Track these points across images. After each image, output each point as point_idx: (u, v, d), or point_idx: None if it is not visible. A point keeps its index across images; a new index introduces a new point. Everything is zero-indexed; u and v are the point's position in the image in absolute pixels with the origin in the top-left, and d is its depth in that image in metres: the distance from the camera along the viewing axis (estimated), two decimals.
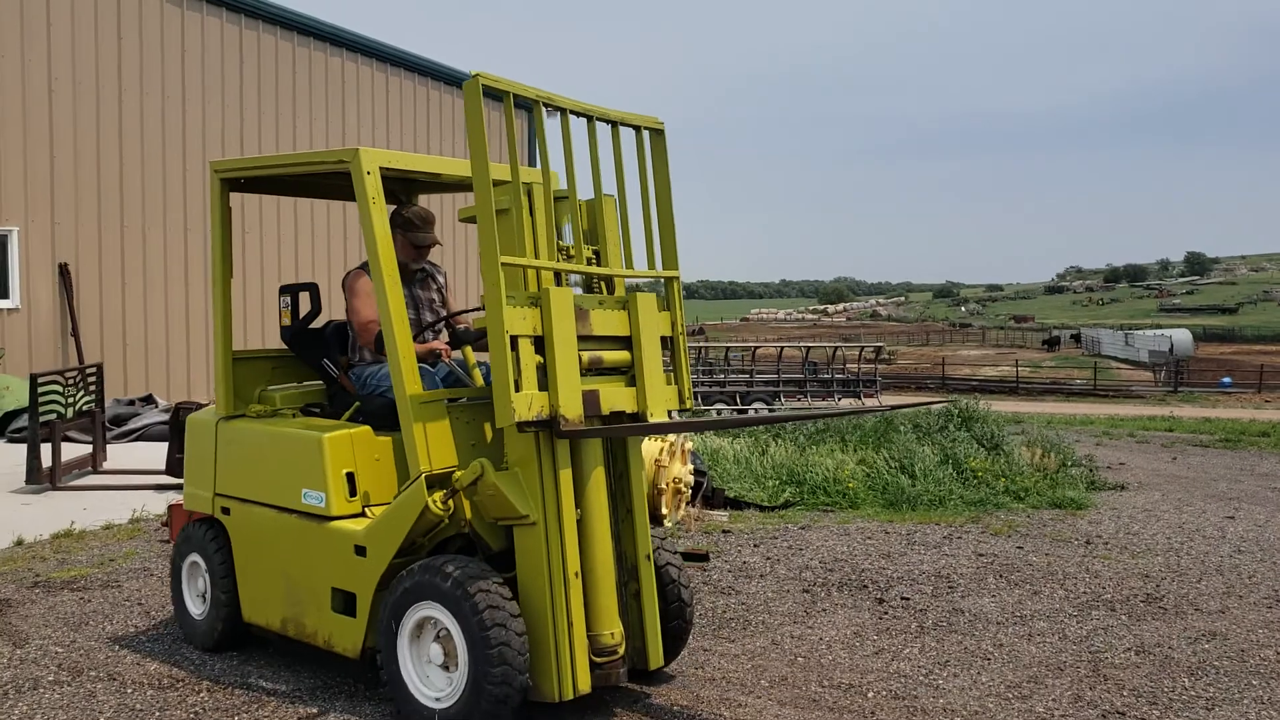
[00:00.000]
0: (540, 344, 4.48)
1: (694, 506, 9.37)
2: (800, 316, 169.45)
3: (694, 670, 5.30)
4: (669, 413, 5.00)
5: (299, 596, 5.09)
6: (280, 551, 5.17)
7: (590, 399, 4.60)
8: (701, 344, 31.00)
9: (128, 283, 16.31)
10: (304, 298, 5.68)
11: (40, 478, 9.68)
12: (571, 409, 4.48)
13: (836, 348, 27.17)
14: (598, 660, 4.60)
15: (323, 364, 5.53)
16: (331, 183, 5.33)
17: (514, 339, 4.36)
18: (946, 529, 8.87)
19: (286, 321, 5.63)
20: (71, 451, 10.72)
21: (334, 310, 5.77)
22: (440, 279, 5.70)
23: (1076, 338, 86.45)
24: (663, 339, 5.04)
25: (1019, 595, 6.80)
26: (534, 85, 4.64)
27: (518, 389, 4.35)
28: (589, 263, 5.00)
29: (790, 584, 6.97)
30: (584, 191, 5.07)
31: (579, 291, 4.95)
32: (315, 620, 5.02)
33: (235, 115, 17.82)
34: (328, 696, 4.90)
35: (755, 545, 8.07)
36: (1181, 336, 67.97)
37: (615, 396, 4.75)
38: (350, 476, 4.89)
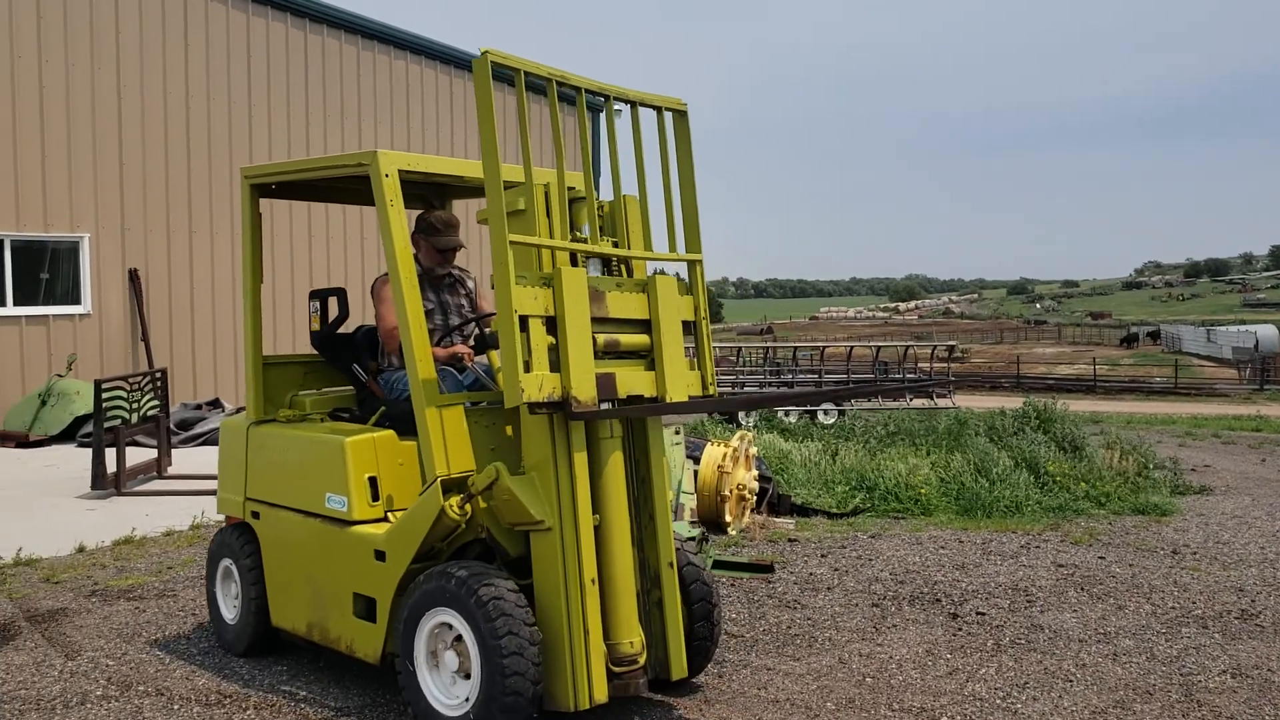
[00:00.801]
0: (553, 325, 4.34)
1: (759, 514, 9.11)
2: (871, 315, 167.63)
3: (756, 691, 5.05)
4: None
5: (323, 601, 5.04)
6: (306, 556, 5.12)
7: (605, 381, 4.46)
8: (769, 344, 30.64)
9: (196, 288, 16.45)
10: (333, 303, 5.58)
11: (105, 483, 9.73)
12: (584, 391, 4.33)
13: (908, 347, 26.62)
14: (616, 669, 4.46)
15: (352, 369, 5.43)
16: (358, 187, 5.24)
17: (524, 319, 4.23)
18: (1024, 537, 8.50)
19: (316, 326, 5.55)
20: (138, 456, 10.78)
21: (362, 315, 5.66)
22: (469, 284, 5.61)
23: (1155, 334, 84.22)
24: (686, 324, 4.86)
25: (1102, 610, 6.43)
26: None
27: (528, 369, 4.21)
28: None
29: (859, 597, 6.68)
30: (602, 178, 4.87)
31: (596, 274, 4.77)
32: (338, 625, 4.96)
33: (301, 121, 17.91)
34: (375, 714, 4.75)
35: (823, 555, 7.78)
36: (1267, 332, 65.68)
37: (633, 380, 4.59)
38: (373, 481, 4.84)
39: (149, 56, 15.75)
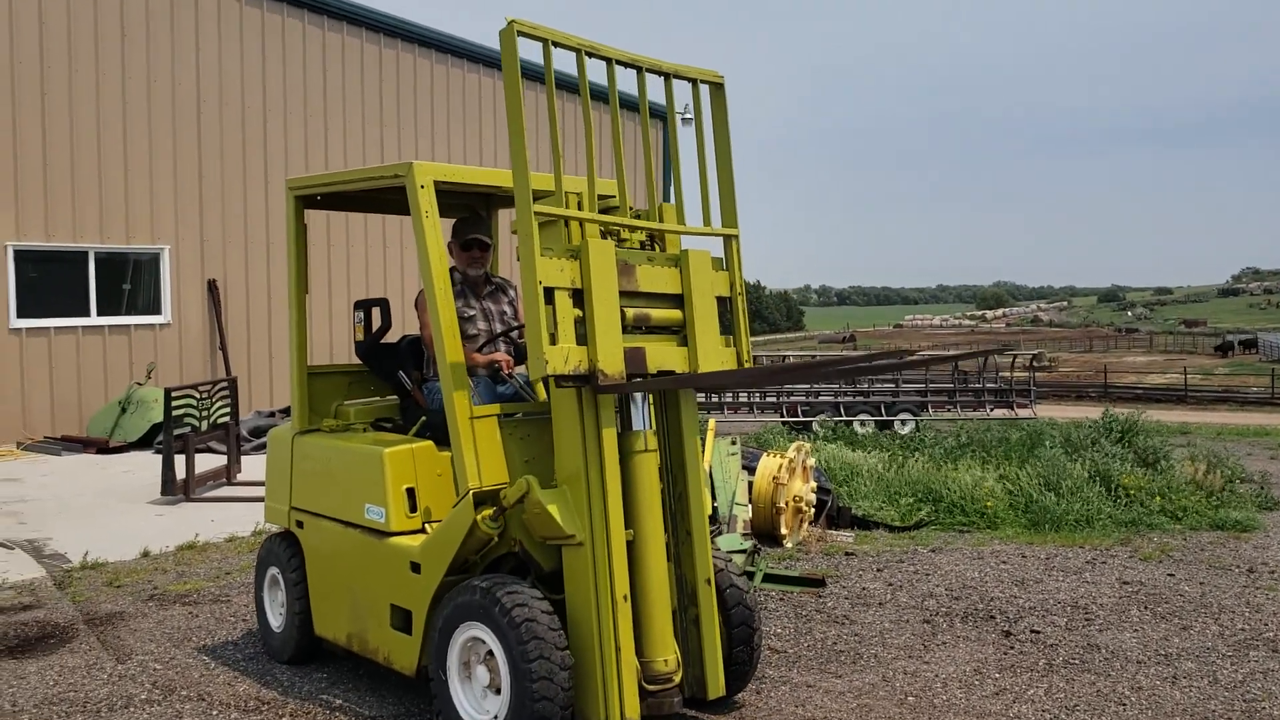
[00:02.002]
0: (580, 298, 4.28)
1: (817, 526, 8.96)
2: (957, 323, 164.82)
3: (794, 709, 4.95)
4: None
5: (362, 612, 5.07)
6: (346, 566, 5.15)
7: (635, 356, 4.40)
8: (846, 352, 30.26)
9: (272, 298, 16.79)
10: (376, 313, 5.61)
11: (175, 489, 9.95)
12: (611, 365, 4.28)
13: (987, 354, 26.05)
14: (650, 687, 4.38)
15: (396, 378, 5.45)
16: (400, 198, 5.28)
17: (550, 291, 4.19)
18: (1091, 552, 8.24)
19: (360, 336, 5.58)
20: (209, 463, 11.02)
21: (403, 325, 5.69)
22: (511, 293, 5.57)
23: (1252, 343, 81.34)
24: (721, 300, 4.78)
25: (1165, 630, 6.19)
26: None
27: (553, 342, 4.16)
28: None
29: (910, 613, 6.52)
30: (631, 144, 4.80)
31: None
32: (377, 637, 4.98)
33: (375, 132, 18.19)
34: None
35: (879, 570, 7.62)
36: None
37: (665, 355, 4.53)
38: (410, 492, 4.83)
39: (227, 74, 16.14)
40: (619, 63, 4.57)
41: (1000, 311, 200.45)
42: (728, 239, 4.90)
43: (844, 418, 21.77)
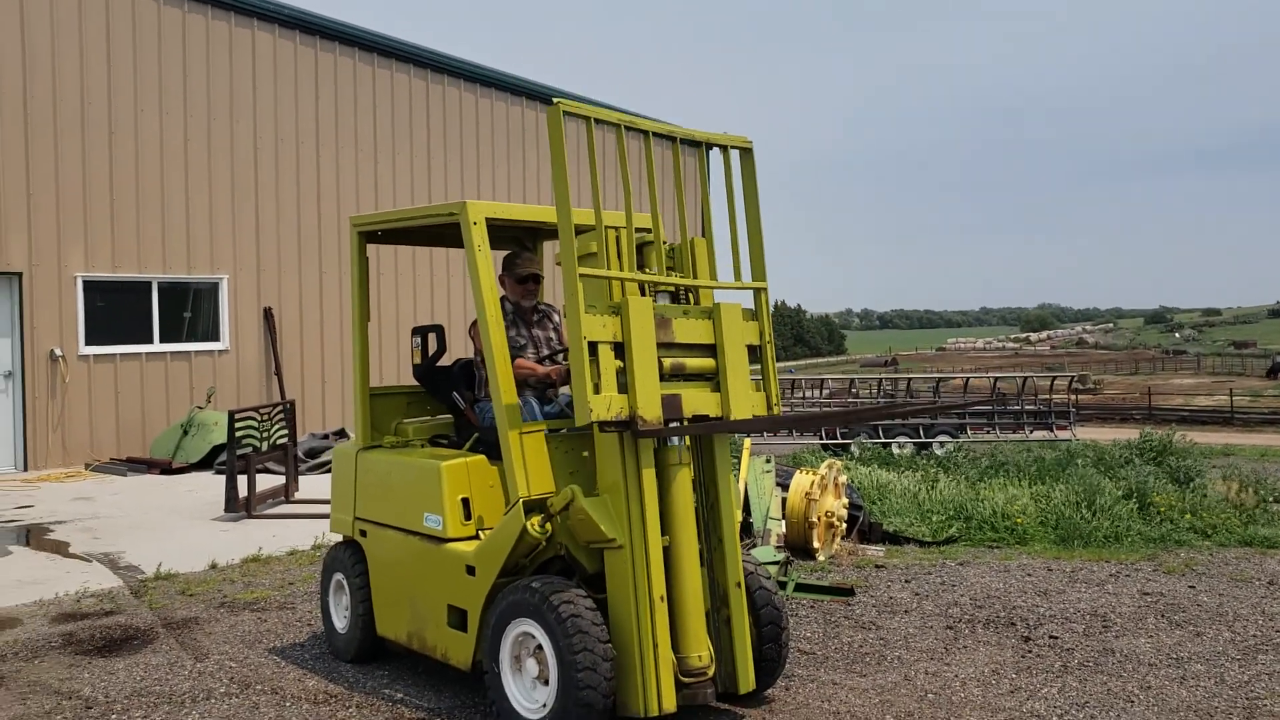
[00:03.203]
0: (621, 350, 4.72)
1: (848, 541, 9.31)
2: (1000, 345, 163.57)
3: (820, 703, 5.32)
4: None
5: (421, 612, 5.50)
6: (406, 571, 5.59)
7: (671, 402, 4.82)
8: (882, 375, 30.42)
9: (325, 325, 17.41)
10: (432, 338, 6.09)
11: (237, 506, 10.49)
12: (650, 410, 4.70)
13: (1026, 377, 26.20)
14: (686, 680, 4.79)
15: (451, 398, 5.91)
16: (453, 233, 5.76)
17: (594, 345, 4.62)
18: (1116, 566, 8.52)
19: (418, 360, 6.05)
20: (268, 482, 11.56)
21: (455, 350, 6.18)
22: (556, 318, 6.02)
23: None
24: (752, 348, 5.20)
25: (1179, 637, 6.49)
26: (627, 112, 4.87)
27: (597, 391, 4.60)
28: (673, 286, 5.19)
29: (934, 620, 6.87)
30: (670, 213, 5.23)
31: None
32: (435, 635, 5.41)
33: (423, 163, 18.83)
34: (462, 714, 5.19)
35: (906, 581, 7.97)
36: None
37: (699, 401, 4.95)
38: (465, 502, 5.28)
39: (282, 112, 16.84)
40: (656, 135, 5.05)
41: (1045, 334, 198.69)
42: (757, 292, 5.33)
43: (882, 440, 22.01)
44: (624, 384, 4.73)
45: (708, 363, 5.06)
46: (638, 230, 5.17)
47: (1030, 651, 6.20)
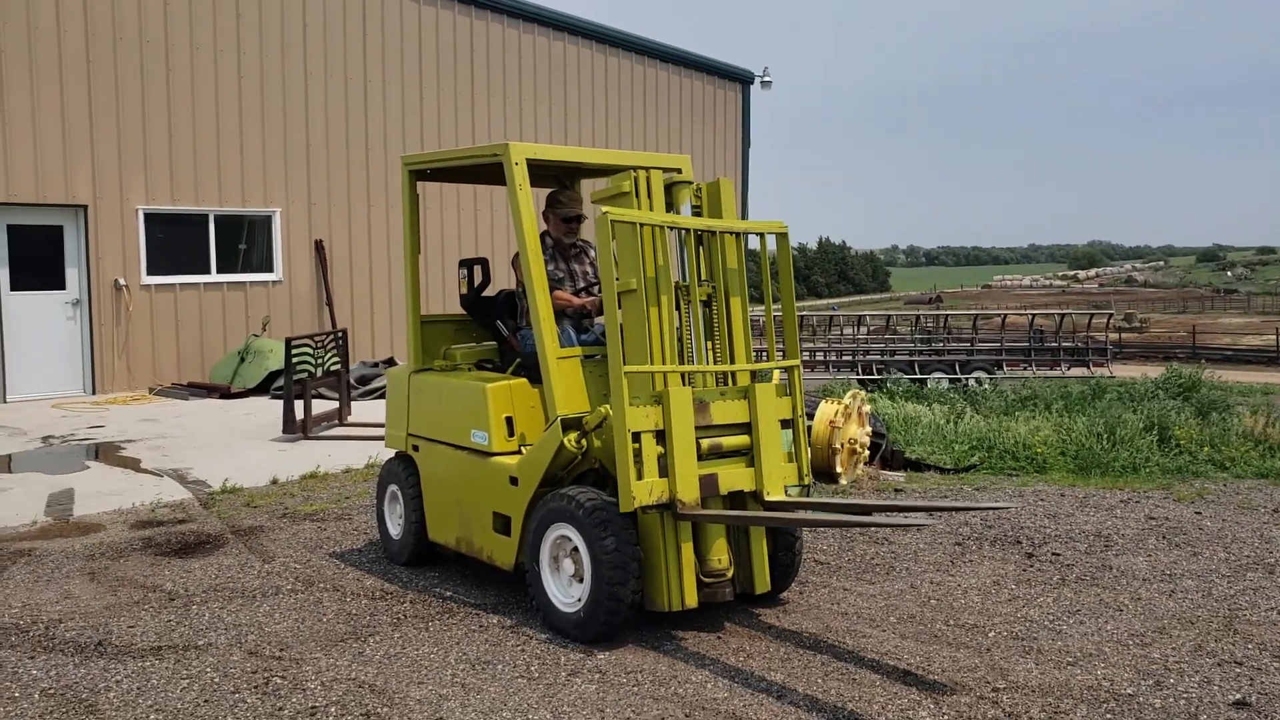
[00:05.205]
0: (662, 436, 5.13)
1: (871, 466, 9.75)
2: (1048, 283, 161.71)
3: (830, 605, 5.82)
4: (786, 489, 5.54)
5: (468, 519, 6.05)
6: (455, 482, 6.14)
7: (708, 481, 5.24)
8: (919, 311, 30.56)
9: (374, 257, 17.97)
10: (478, 270, 6.56)
11: (294, 428, 11.12)
12: (688, 493, 5.13)
13: (1064, 314, 26.32)
14: (706, 580, 5.31)
15: (495, 326, 6.40)
16: (496, 172, 6.20)
17: (637, 434, 5.04)
18: (1128, 494, 8.89)
19: (464, 290, 6.53)
20: (322, 406, 12.19)
21: (502, 280, 6.64)
22: (591, 254, 6.47)
23: None
24: (784, 421, 5.57)
25: (1175, 556, 6.90)
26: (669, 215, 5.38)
27: (639, 477, 5.03)
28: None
29: (944, 538, 7.33)
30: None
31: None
32: (481, 539, 5.96)
33: (467, 105, 19.21)
34: (505, 609, 5.76)
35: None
36: None
37: (734, 477, 5.37)
38: (509, 420, 5.79)
39: (332, 49, 17.26)
40: (698, 230, 5.50)
41: (1093, 271, 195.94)
42: (790, 369, 5.72)
43: (918, 376, 22.32)
44: (664, 467, 5.13)
45: (742, 440, 5.44)
46: (668, 170, 5.57)
47: (1032, 566, 6.65)
